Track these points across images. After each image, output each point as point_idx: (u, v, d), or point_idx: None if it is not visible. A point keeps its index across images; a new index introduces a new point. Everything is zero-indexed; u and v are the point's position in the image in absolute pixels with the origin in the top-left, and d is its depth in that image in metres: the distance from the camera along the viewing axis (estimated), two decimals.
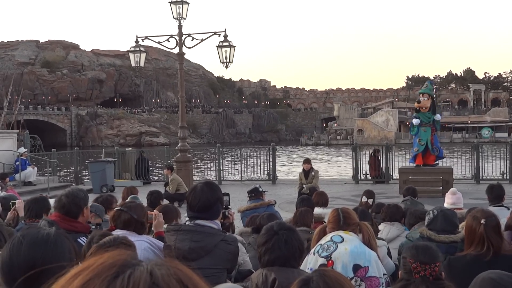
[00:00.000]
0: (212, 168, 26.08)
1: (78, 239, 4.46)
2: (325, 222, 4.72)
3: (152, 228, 4.98)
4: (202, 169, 29.05)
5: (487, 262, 4.02)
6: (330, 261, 3.86)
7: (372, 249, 4.08)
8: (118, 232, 4.27)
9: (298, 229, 5.11)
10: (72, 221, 4.65)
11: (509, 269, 2.77)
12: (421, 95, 18.30)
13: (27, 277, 1.87)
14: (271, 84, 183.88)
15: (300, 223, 6.12)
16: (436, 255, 3.62)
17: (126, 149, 28.93)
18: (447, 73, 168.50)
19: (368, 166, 22.65)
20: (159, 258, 4.22)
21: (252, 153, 24.93)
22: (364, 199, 8.87)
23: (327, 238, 4.07)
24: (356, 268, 3.84)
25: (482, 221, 4.27)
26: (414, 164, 18.37)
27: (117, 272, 1.01)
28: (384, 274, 3.98)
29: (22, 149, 22.67)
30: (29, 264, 1.93)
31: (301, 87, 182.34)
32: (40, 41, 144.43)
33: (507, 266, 3.04)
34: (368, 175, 22.55)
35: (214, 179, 22.80)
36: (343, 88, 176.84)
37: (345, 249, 3.90)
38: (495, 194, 7.53)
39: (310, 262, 3.98)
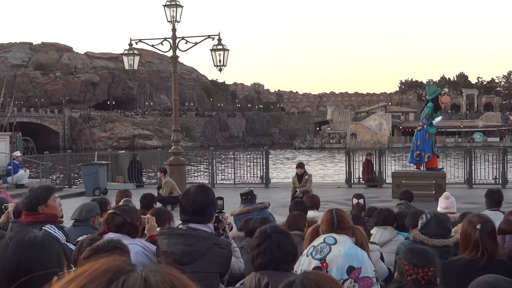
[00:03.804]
0: (205, 171, 26.06)
1: (43, 227, 4.63)
2: None
3: (145, 232, 4.97)
4: (195, 172, 29.01)
5: (481, 266, 4.02)
6: (324, 264, 3.85)
7: None
8: (111, 235, 4.27)
9: (293, 233, 5.11)
10: (33, 214, 4.85)
11: (503, 274, 2.77)
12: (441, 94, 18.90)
13: (12, 279, 1.86)
14: (265, 88, 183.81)
15: (293, 227, 6.12)
16: (431, 260, 3.62)
17: (119, 152, 28.89)
18: (440, 77, 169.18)
19: (361, 170, 22.70)
20: (153, 263, 4.23)
21: (245, 157, 24.92)
22: (355, 201, 8.94)
23: (320, 239, 4.05)
24: (350, 269, 3.84)
25: (478, 226, 4.28)
26: (418, 167, 18.50)
27: (111, 278, 1.01)
28: (374, 271, 3.99)
29: (18, 153, 22.65)
30: (14, 266, 1.91)
31: (294, 91, 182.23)
32: (34, 44, 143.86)
33: (500, 271, 3.05)
34: (361, 179, 22.58)
35: (207, 182, 22.77)
36: (337, 92, 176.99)
37: (339, 251, 3.89)
38: (494, 199, 7.56)
39: (303, 264, 3.97)
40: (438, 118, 18.38)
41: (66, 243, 4.74)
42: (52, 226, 4.81)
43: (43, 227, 4.65)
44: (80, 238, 4.62)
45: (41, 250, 1.95)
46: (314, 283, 1.92)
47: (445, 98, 18.58)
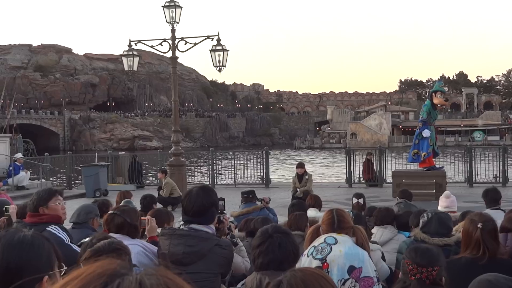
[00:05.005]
0: (205, 172, 26.07)
1: (47, 228, 4.73)
2: None
3: (146, 233, 4.97)
4: (196, 173, 29.02)
5: (482, 265, 4.02)
6: (325, 264, 3.85)
7: None
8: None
9: (295, 233, 5.10)
10: (37, 215, 4.91)
11: (504, 272, 2.77)
12: (439, 93, 18.41)
13: (2, 279, 1.85)
14: (264, 88, 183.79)
15: (294, 227, 6.11)
16: (435, 259, 3.60)
17: (119, 153, 28.86)
18: (440, 76, 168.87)
19: (361, 169, 22.69)
20: (154, 263, 4.22)
21: (245, 157, 24.92)
22: (355, 200, 8.95)
23: (320, 239, 4.05)
24: (351, 269, 3.84)
25: (479, 225, 4.27)
26: (424, 167, 18.30)
27: (105, 282, 1.01)
28: (375, 271, 3.99)
29: (19, 155, 22.68)
30: (3, 266, 1.90)
31: (294, 91, 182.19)
32: (33, 45, 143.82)
33: (502, 270, 3.04)
34: (361, 179, 22.57)
35: (208, 182, 22.77)
36: (336, 92, 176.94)
37: (340, 251, 3.88)
38: (490, 197, 7.57)
39: (304, 264, 3.96)
40: (427, 132, 18.17)
41: (70, 244, 4.76)
42: (56, 227, 4.82)
43: (47, 228, 4.68)
44: (86, 239, 4.63)
45: (30, 249, 1.93)
46: (300, 281, 1.91)
47: (436, 99, 18.34)
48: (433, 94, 18.37)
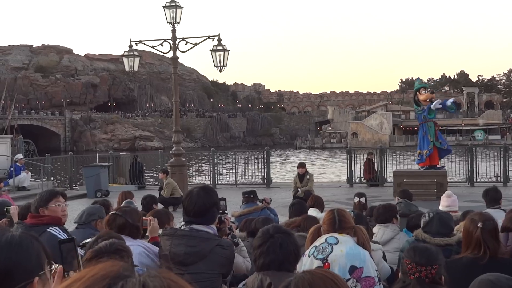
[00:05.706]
0: (206, 172, 26.06)
1: (48, 229, 4.71)
2: None
3: (147, 233, 4.97)
4: (197, 173, 29.00)
5: (483, 265, 4.01)
6: (326, 264, 3.84)
7: None
8: None
9: (298, 234, 5.08)
10: (38, 216, 4.91)
11: (505, 272, 2.77)
12: (422, 89, 18.10)
13: None
14: (265, 88, 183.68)
15: (302, 227, 6.02)
16: (434, 258, 3.61)
17: (120, 153, 28.85)
18: (441, 76, 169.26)
19: (363, 169, 22.67)
20: (155, 264, 4.21)
21: (246, 157, 24.91)
22: (356, 199, 8.93)
23: (321, 239, 4.04)
24: (352, 269, 3.83)
25: (479, 225, 4.27)
26: (422, 167, 18.10)
27: (109, 284, 1.01)
28: (376, 271, 3.99)
29: (20, 156, 22.68)
30: None
31: (295, 91, 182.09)
32: (34, 46, 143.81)
33: (503, 270, 3.04)
34: (362, 178, 22.56)
35: (209, 183, 22.76)
36: (337, 92, 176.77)
37: (341, 251, 3.88)
38: (490, 197, 7.56)
39: (305, 265, 3.96)
40: (435, 103, 17.70)
41: None
42: (57, 228, 4.82)
43: (47, 229, 4.68)
44: (87, 240, 4.63)
45: (19, 250, 1.90)
46: (308, 284, 1.91)
47: (422, 96, 18.03)
48: (417, 93, 18.08)
